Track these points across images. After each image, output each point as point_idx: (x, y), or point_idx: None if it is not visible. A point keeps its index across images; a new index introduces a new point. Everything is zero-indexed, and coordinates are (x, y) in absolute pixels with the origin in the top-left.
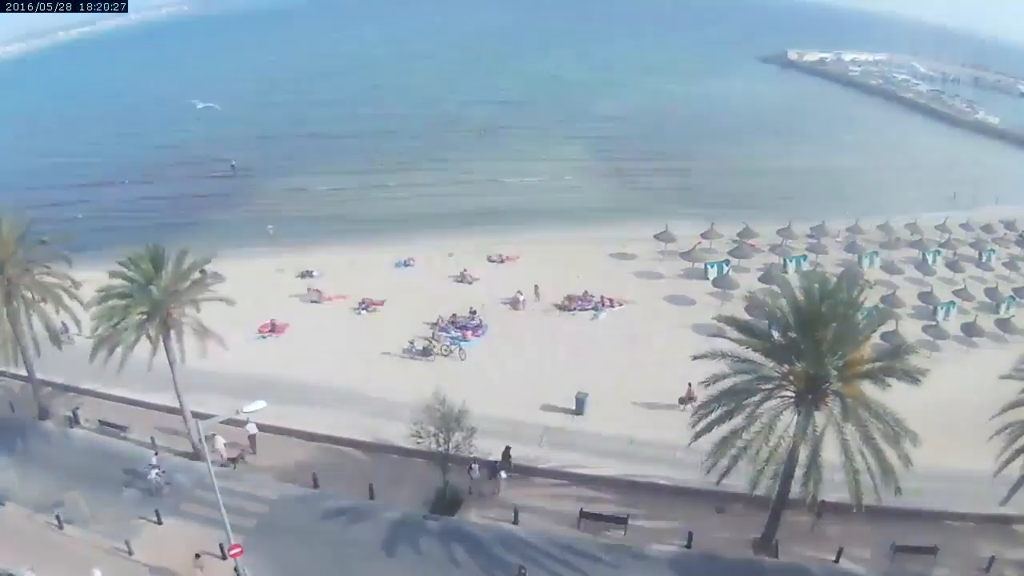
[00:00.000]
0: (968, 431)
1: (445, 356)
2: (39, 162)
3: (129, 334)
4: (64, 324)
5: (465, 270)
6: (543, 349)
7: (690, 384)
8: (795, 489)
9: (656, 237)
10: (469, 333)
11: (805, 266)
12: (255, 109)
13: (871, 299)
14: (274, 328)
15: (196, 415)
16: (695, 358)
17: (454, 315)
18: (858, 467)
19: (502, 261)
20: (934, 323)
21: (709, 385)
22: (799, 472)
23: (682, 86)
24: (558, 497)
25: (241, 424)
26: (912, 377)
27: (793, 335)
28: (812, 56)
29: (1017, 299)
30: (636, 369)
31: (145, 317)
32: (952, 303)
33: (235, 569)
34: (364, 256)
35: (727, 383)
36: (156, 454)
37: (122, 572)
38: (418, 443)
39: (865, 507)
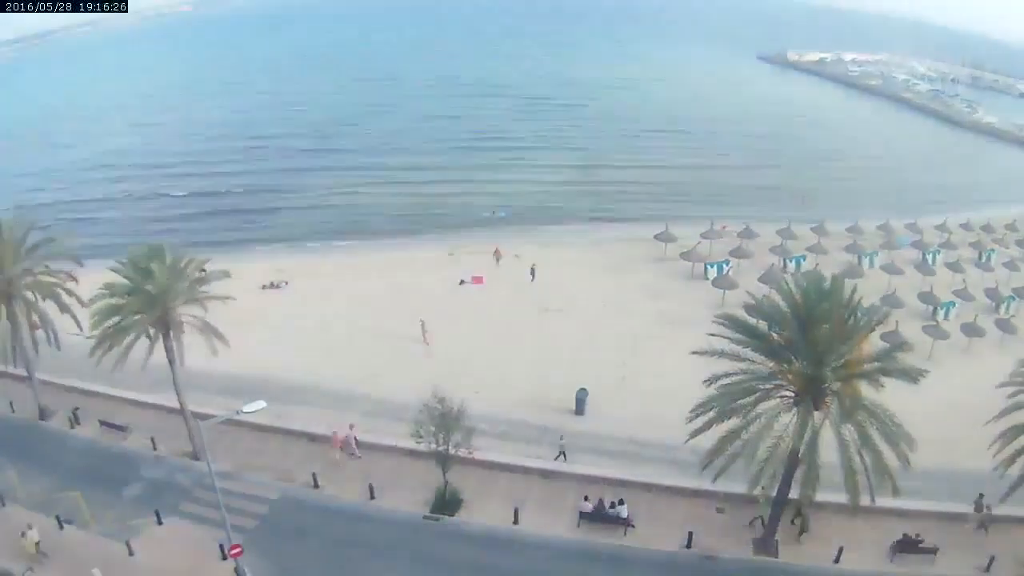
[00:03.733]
0: (968, 431)
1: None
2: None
3: (128, 333)
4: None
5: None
6: (543, 349)
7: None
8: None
9: (656, 237)
10: None
11: (805, 266)
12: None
13: (870, 298)
14: None
15: (196, 415)
16: (694, 353)
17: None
18: (856, 467)
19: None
20: (934, 323)
21: (710, 385)
22: (798, 472)
23: (681, 85)
24: (558, 497)
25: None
26: (911, 377)
27: (791, 335)
28: (812, 56)
29: (1017, 299)
30: (636, 369)
31: (145, 316)
32: (952, 303)
33: (235, 569)
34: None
35: (726, 382)
36: None
37: (122, 572)
38: (418, 442)
39: (864, 507)
